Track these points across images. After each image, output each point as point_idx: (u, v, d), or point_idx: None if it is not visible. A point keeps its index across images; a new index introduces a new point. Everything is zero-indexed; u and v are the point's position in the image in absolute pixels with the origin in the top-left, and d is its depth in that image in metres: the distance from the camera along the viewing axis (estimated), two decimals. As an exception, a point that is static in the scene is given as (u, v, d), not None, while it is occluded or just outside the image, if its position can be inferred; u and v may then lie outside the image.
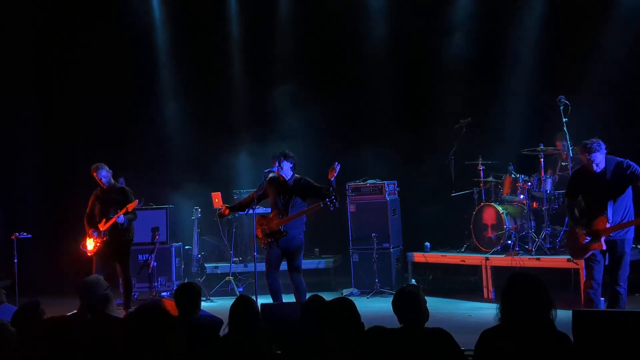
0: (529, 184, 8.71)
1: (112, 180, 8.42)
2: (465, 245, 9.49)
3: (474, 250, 9.30)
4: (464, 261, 9.30)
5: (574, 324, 4.05)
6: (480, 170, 9.38)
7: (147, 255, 9.65)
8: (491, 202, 9.18)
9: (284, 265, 7.58)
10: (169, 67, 11.72)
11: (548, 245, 8.52)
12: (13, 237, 8.94)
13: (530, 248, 8.57)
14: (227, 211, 7.87)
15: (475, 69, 10.40)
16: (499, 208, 8.97)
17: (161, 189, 10.90)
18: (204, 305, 7.34)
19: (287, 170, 7.47)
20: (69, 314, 4.82)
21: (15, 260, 8.88)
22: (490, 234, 9.08)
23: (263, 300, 6.55)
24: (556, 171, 8.93)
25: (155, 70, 11.74)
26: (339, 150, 10.05)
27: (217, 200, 10.13)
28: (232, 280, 9.76)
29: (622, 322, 4.01)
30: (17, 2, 11.32)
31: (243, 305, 4.20)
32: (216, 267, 10.39)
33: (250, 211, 7.71)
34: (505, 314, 3.57)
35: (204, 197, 10.45)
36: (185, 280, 9.72)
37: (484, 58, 10.35)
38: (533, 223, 8.76)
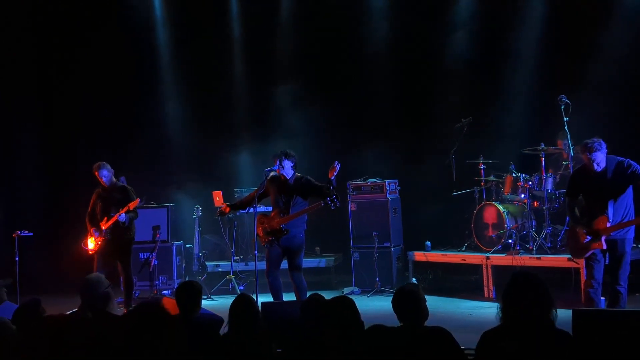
0: (530, 183, 8.70)
1: (114, 179, 8.43)
2: (466, 245, 9.50)
3: (475, 249, 9.30)
4: (465, 260, 9.31)
5: (574, 324, 4.05)
6: (481, 169, 9.38)
7: (148, 254, 9.67)
8: (492, 201, 9.18)
9: (284, 264, 7.58)
10: (170, 66, 11.73)
11: (549, 245, 8.52)
12: (14, 235, 8.97)
13: (531, 247, 8.57)
14: (227, 209, 7.89)
15: (476, 69, 10.40)
16: (500, 207, 8.97)
17: (162, 187, 10.94)
18: (205, 303, 7.39)
19: (288, 169, 7.48)
20: (70, 312, 4.84)
21: (17, 259, 8.91)
22: (491, 233, 9.08)
23: (263, 298, 6.54)
24: (557, 170, 8.93)
25: (155, 70, 11.74)
26: (339, 150, 10.05)
27: (218, 198, 10.13)
28: (233, 279, 9.78)
29: (622, 321, 4.02)
30: (18, 2, 11.32)
31: (243, 304, 4.20)
32: (217, 266, 10.40)
33: (251, 210, 7.70)
34: (506, 313, 3.59)
35: (205, 196, 10.45)
36: (186, 279, 9.69)
37: (485, 58, 10.35)
38: (534, 222, 8.75)
